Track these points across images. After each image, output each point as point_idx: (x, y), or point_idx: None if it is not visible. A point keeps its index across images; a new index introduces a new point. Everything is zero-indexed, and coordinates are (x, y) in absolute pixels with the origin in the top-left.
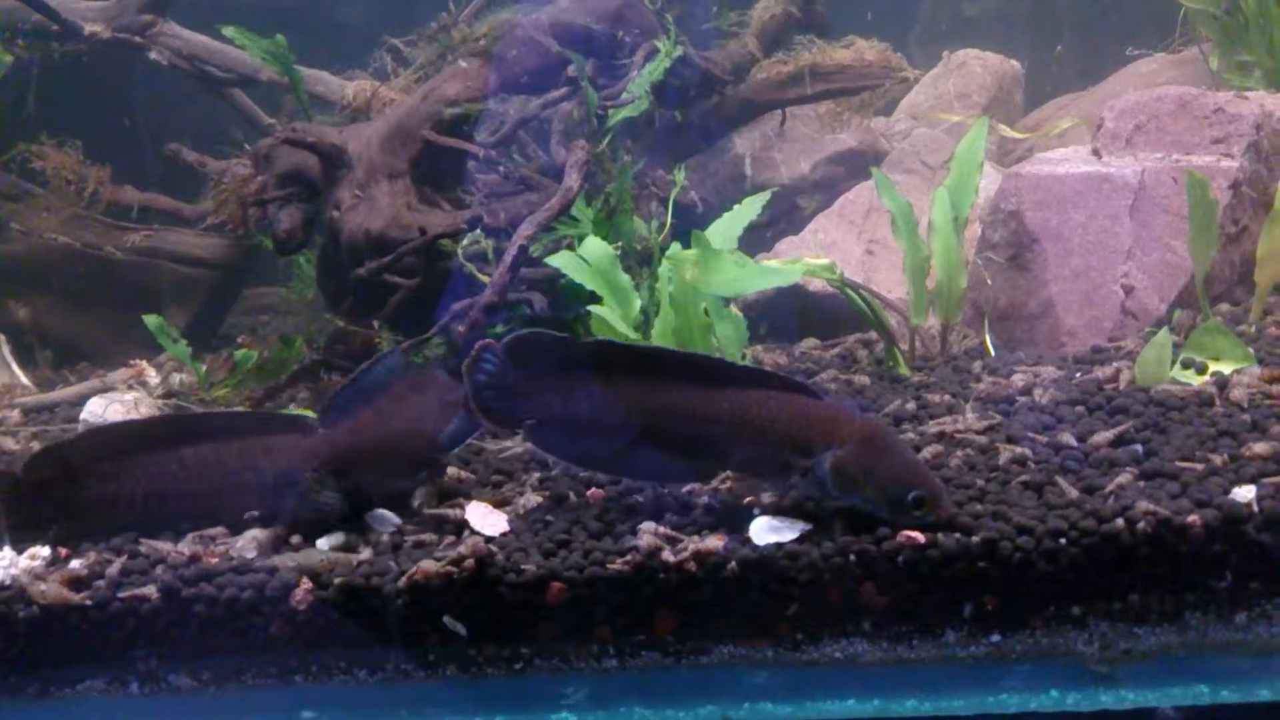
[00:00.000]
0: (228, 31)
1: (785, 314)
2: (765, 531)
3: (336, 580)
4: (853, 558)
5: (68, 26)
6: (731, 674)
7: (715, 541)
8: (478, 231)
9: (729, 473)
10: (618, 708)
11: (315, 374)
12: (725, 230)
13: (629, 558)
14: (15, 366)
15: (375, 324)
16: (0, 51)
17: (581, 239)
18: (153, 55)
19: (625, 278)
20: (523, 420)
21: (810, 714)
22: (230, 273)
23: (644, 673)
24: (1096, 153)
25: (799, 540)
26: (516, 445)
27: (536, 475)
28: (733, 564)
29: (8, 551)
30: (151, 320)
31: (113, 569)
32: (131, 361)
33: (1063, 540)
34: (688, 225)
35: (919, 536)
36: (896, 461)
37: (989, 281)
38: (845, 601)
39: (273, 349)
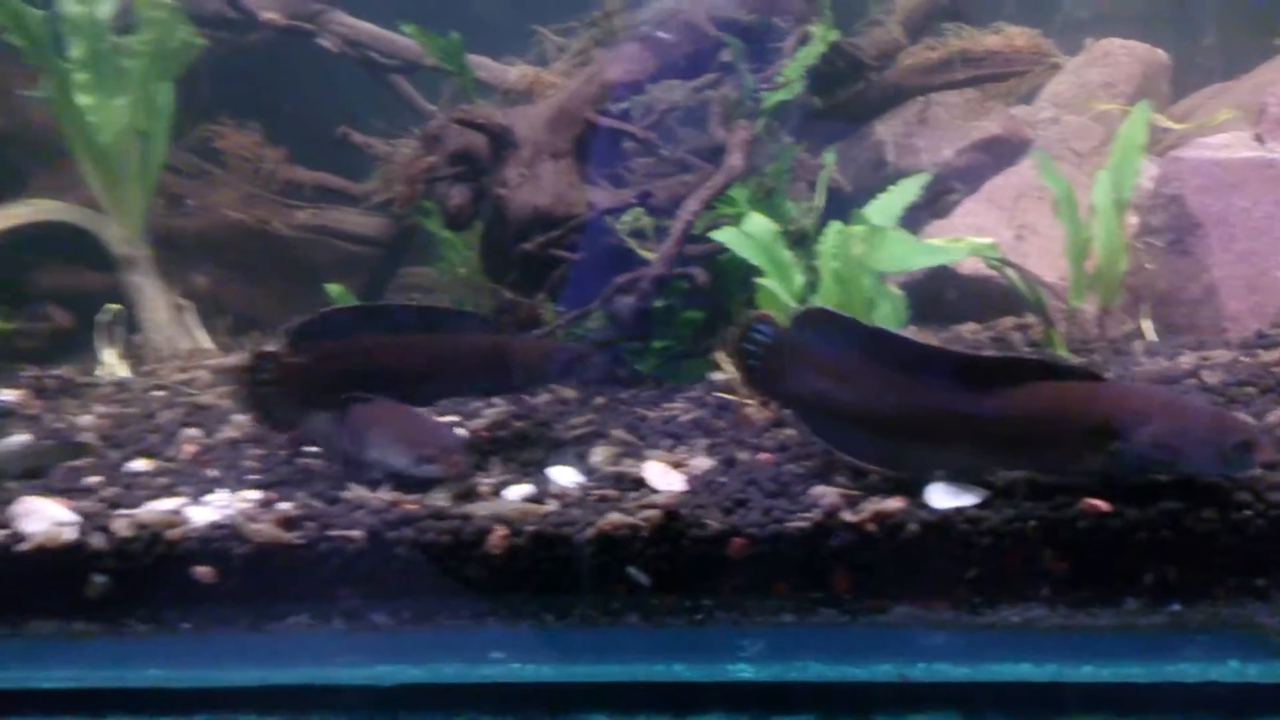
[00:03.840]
0: (407, 29)
1: (934, 297)
2: (943, 495)
3: (529, 528)
4: (1034, 523)
5: (247, 13)
6: (908, 634)
7: (895, 503)
8: (639, 208)
9: None
10: (794, 662)
11: None
12: (884, 210)
13: (810, 515)
14: (200, 331)
15: (538, 296)
16: (193, 36)
17: (738, 218)
18: (322, 42)
19: (787, 253)
20: (787, 396)
21: (986, 676)
22: (389, 250)
23: (821, 629)
24: (1259, 138)
25: (979, 505)
26: (681, 411)
27: (704, 441)
28: (912, 525)
29: (224, 493)
30: (333, 288)
31: (320, 511)
32: None
33: (1248, 512)
34: (834, 208)
35: (1101, 504)
36: (1205, 418)
37: (1148, 266)
38: (1024, 567)
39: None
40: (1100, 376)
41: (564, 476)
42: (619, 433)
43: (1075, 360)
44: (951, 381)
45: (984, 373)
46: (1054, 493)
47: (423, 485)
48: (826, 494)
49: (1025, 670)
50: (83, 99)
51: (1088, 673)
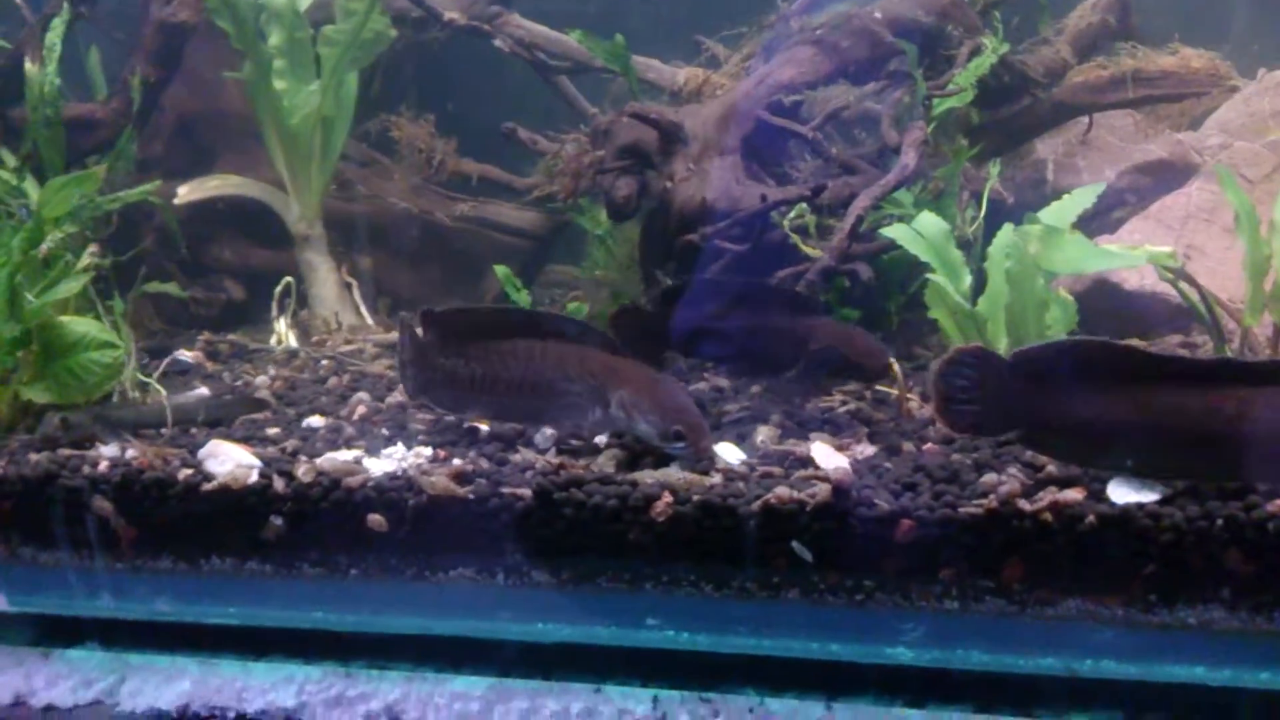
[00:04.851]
0: (573, 36)
1: (1096, 311)
2: (1125, 490)
3: (695, 497)
4: (1220, 523)
5: (431, 13)
6: (1077, 628)
7: (1073, 494)
8: (803, 206)
9: None
10: (955, 649)
11: None
12: (1058, 215)
13: (984, 502)
14: (364, 309)
15: None
16: (387, 28)
17: (902, 219)
18: (497, 42)
19: (957, 253)
20: (1003, 429)
21: (1157, 676)
22: (542, 243)
23: (985, 618)
24: None
25: (1161, 501)
26: (838, 404)
27: (865, 430)
28: (1091, 518)
29: (400, 446)
30: (501, 270)
31: (490, 469)
32: None
33: None
34: (995, 221)
35: None
36: None
37: None
38: (1206, 566)
39: (602, 304)
40: None
41: (727, 453)
42: (777, 418)
43: None
44: (1219, 387)
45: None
46: (1244, 492)
47: (589, 452)
48: (1003, 482)
49: (1198, 673)
50: (278, 84)
51: (1264, 679)
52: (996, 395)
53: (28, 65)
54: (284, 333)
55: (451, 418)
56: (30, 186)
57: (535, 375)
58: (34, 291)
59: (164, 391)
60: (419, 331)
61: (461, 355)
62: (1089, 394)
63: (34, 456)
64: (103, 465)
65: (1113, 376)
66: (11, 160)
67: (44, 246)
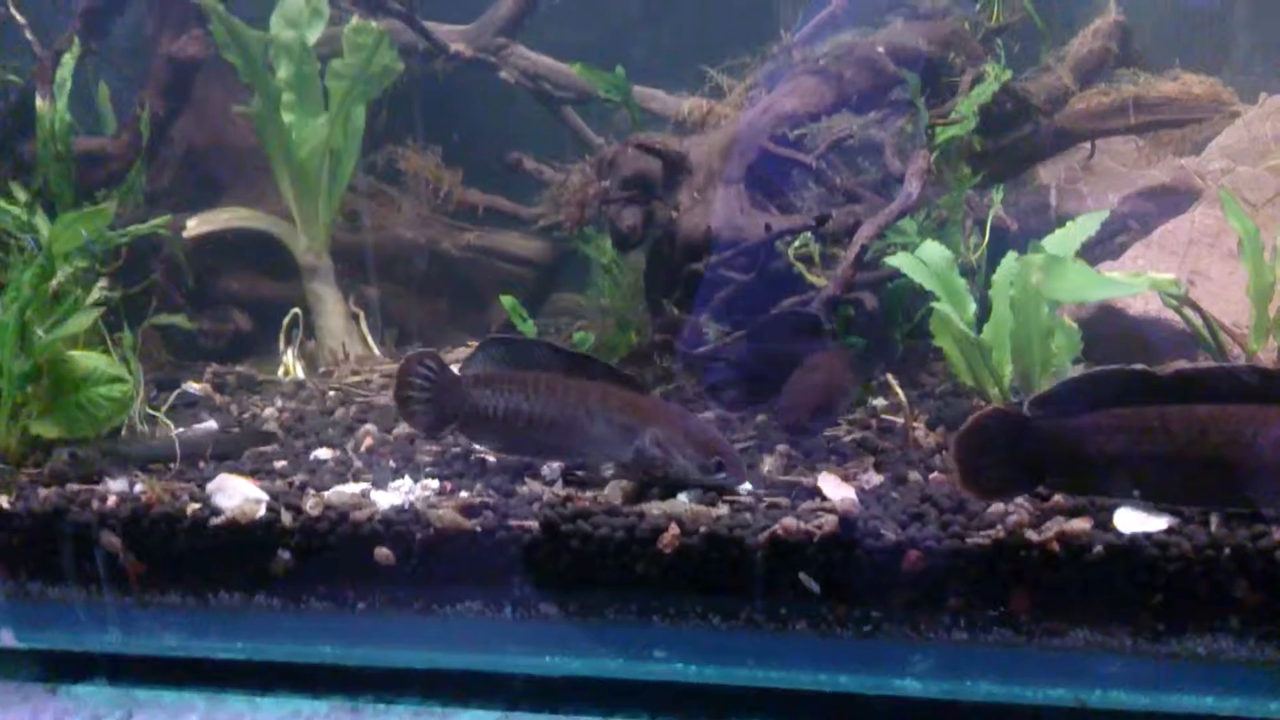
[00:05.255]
0: (574, 68)
1: (1100, 337)
2: (1131, 519)
3: (701, 529)
4: (1227, 552)
5: (437, 45)
6: (1086, 659)
7: (1080, 524)
8: (808, 235)
9: None
10: (964, 680)
11: (650, 358)
12: (1062, 243)
13: (991, 532)
14: (371, 339)
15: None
16: (395, 61)
17: (906, 247)
18: (502, 74)
19: (961, 281)
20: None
21: (1166, 707)
22: (548, 272)
23: (994, 649)
24: None
25: (1168, 531)
26: (843, 433)
27: (871, 459)
28: (1098, 548)
29: (407, 479)
30: (507, 300)
31: (497, 502)
32: (468, 342)
33: None
34: (998, 248)
35: None
36: None
37: None
38: (1214, 596)
39: (609, 333)
40: None
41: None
42: (783, 448)
43: None
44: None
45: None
46: (1251, 521)
47: (596, 484)
48: (1010, 512)
49: (1208, 704)
50: (286, 117)
51: (1275, 709)
52: (1016, 453)
53: (38, 102)
54: (291, 364)
55: (459, 449)
56: (40, 221)
57: (556, 411)
58: (44, 326)
59: (172, 425)
60: (442, 361)
61: (489, 386)
62: (1109, 425)
63: (43, 491)
64: (111, 500)
65: (1129, 402)
66: (22, 195)
67: (54, 282)
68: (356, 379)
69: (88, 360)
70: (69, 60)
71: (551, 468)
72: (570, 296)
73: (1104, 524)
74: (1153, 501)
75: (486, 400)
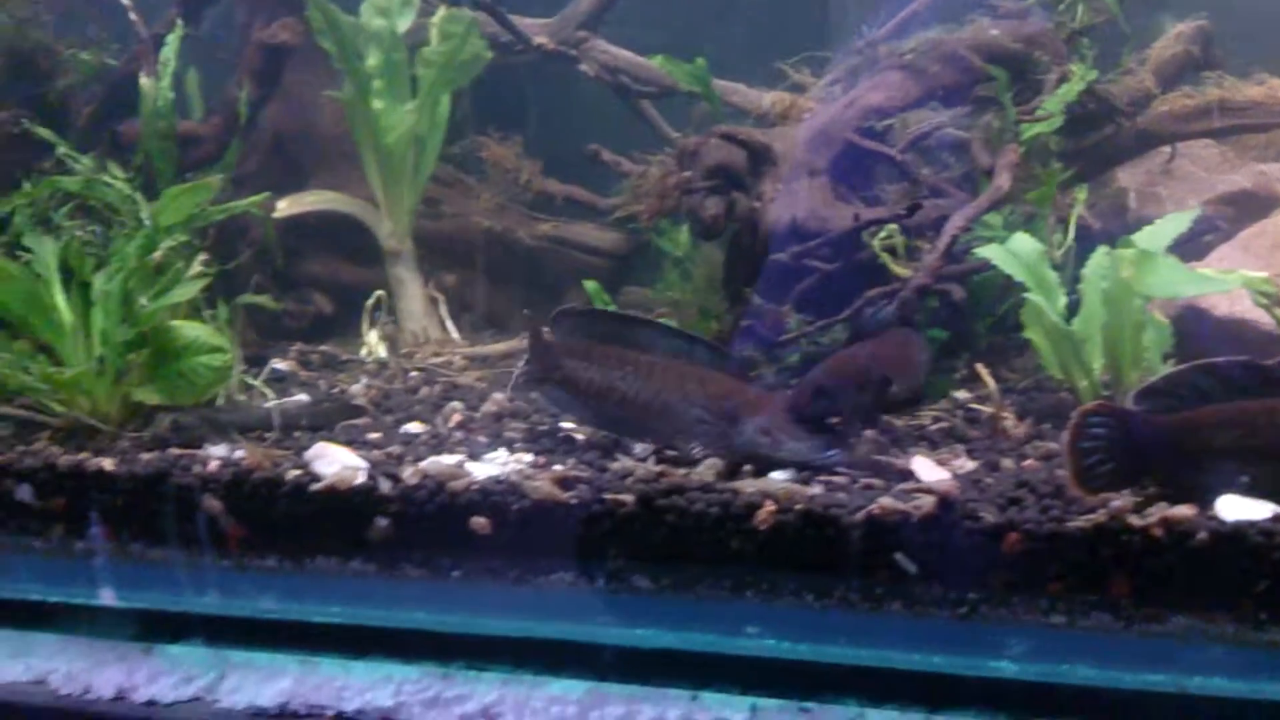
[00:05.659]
0: (656, 60)
1: (1186, 335)
2: (1235, 507)
3: (798, 506)
4: None
5: (521, 37)
6: (1185, 645)
7: (1184, 511)
8: (893, 226)
9: None
10: (1060, 665)
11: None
12: (1153, 238)
13: (1092, 516)
14: (450, 324)
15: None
16: (484, 49)
17: (992, 240)
18: (583, 67)
19: (1052, 274)
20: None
21: (1267, 695)
22: (622, 263)
23: (1092, 633)
24: None
25: (1274, 519)
26: (929, 422)
27: (962, 447)
28: (1202, 534)
29: (502, 452)
30: (590, 285)
31: (591, 475)
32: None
33: None
34: (1082, 247)
35: None
36: None
37: None
38: None
39: (689, 322)
40: None
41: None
42: (871, 433)
43: None
44: None
45: None
46: None
47: (689, 461)
48: (1111, 497)
49: None
50: (375, 103)
51: None
52: (1125, 447)
53: (143, 79)
54: (374, 344)
55: (546, 425)
56: (139, 197)
57: (653, 393)
58: (148, 296)
59: (271, 394)
60: (545, 330)
61: (586, 359)
62: (1218, 419)
63: (145, 455)
64: (212, 465)
65: (1236, 395)
66: (120, 173)
67: (157, 254)
68: (439, 360)
69: (189, 330)
70: (173, 40)
71: (644, 445)
72: (638, 290)
73: (1208, 511)
74: (1263, 498)
75: (580, 372)
